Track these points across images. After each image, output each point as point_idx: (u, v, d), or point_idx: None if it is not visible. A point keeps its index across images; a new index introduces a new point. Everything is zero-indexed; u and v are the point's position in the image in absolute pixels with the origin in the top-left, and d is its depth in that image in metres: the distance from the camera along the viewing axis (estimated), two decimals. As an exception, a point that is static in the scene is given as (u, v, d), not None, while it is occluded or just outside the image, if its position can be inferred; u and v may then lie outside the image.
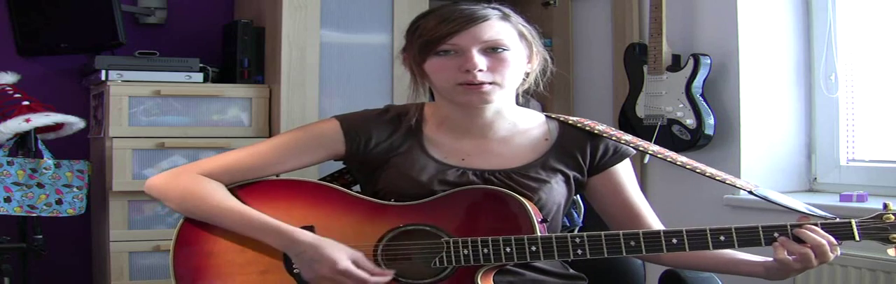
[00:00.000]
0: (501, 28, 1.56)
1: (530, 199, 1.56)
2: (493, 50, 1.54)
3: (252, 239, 1.57)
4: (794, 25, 2.71)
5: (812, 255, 1.43)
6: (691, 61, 2.68)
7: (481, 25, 1.53)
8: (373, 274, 1.51)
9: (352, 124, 1.64)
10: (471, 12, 1.55)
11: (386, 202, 1.58)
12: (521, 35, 1.59)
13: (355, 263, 1.51)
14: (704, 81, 2.69)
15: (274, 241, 1.55)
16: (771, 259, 1.49)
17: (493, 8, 1.59)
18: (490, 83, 1.53)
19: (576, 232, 1.78)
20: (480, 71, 1.52)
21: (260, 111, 2.97)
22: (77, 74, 3.23)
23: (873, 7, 2.57)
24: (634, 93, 2.83)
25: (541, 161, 1.62)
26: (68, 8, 3.04)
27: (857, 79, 2.62)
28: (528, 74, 1.63)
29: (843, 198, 2.38)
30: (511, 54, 1.55)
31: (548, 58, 1.65)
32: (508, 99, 1.63)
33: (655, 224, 1.66)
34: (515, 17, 1.60)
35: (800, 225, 1.45)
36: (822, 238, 1.43)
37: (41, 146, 2.82)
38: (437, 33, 1.53)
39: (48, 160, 2.80)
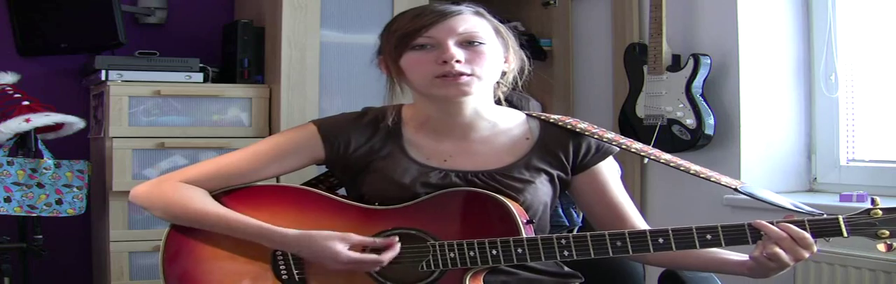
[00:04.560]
0: (476, 22, 1.56)
1: (515, 200, 1.55)
2: (469, 43, 1.53)
3: (240, 246, 1.57)
4: (794, 25, 2.71)
5: (783, 254, 1.41)
6: (691, 61, 2.68)
7: (456, 18, 1.54)
8: (379, 250, 1.50)
9: (329, 129, 1.63)
10: (445, 7, 1.56)
11: (370, 206, 1.58)
12: (497, 31, 1.59)
13: (353, 247, 1.50)
14: (704, 81, 2.69)
15: (262, 242, 1.55)
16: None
17: (467, 5, 1.59)
18: (468, 74, 1.52)
19: (575, 231, 1.78)
20: (458, 62, 1.51)
21: (260, 111, 2.97)
22: (77, 74, 3.23)
23: (873, 7, 2.57)
24: (634, 93, 2.83)
25: (524, 161, 1.61)
26: (68, 8, 3.04)
27: (857, 79, 2.62)
28: (505, 74, 1.62)
29: (843, 198, 2.38)
30: (487, 48, 1.55)
31: (525, 58, 1.65)
32: (487, 97, 1.62)
33: (639, 223, 1.66)
34: (489, 16, 1.61)
35: (784, 221, 1.43)
36: (786, 232, 1.41)
37: (41, 146, 2.82)
38: (412, 27, 1.53)
39: (48, 160, 2.80)
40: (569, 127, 1.64)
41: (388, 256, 1.50)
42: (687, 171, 1.60)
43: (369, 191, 1.59)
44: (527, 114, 1.69)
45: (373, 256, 1.49)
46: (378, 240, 1.51)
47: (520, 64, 1.64)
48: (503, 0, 2.06)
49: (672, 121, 2.71)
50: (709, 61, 2.68)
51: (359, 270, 1.51)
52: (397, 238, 1.52)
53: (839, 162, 2.64)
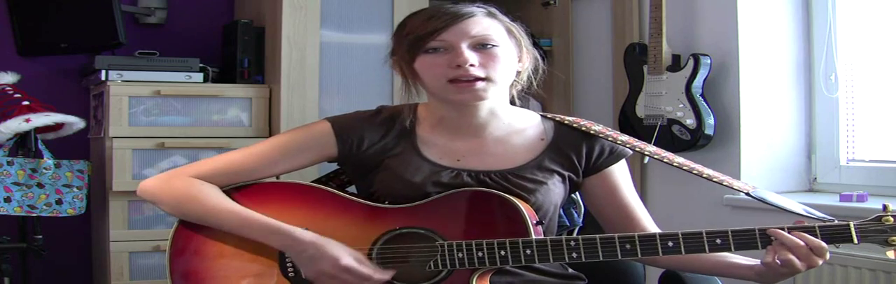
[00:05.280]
0: (489, 24, 1.56)
1: (526, 201, 1.55)
2: (482, 46, 1.54)
3: (247, 243, 1.57)
4: (794, 25, 2.71)
5: (796, 261, 1.41)
6: (691, 61, 2.68)
7: (468, 21, 1.54)
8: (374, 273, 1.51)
9: (343, 126, 1.63)
10: (457, 9, 1.55)
11: (380, 204, 1.58)
12: (510, 32, 1.59)
13: (357, 261, 1.51)
14: (704, 81, 2.68)
15: (274, 241, 1.54)
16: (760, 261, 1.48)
17: (479, 6, 1.59)
18: (483, 79, 1.52)
19: (576, 231, 1.78)
20: (472, 66, 1.51)
21: (260, 111, 2.97)
22: (77, 74, 3.23)
23: (873, 7, 2.57)
24: (634, 93, 2.83)
25: (536, 161, 1.62)
26: (68, 8, 3.04)
27: (857, 79, 2.62)
28: (519, 73, 1.62)
29: (843, 198, 2.38)
30: (501, 50, 1.55)
31: (538, 56, 1.65)
32: (502, 98, 1.62)
33: (650, 225, 1.66)
34: (501, 16, 1.60)
35: (796, 228, 1.43)
36: (802, 240, 1.41)
37: (41, 146, 2.82)
38: (425, 30, 1.53)
39: (48, 160, 2.80)
40: (583, 128, 1.64)
41: (378, 276, 1.51)
42: (700, 175, 1.60)
43: (380, 190, 1.60)
44: (542, 115, 1.69)
45: (366, 271, 1.50)
46: (378, 268, 1.52)
47: (534, 63, 1.64)
48: (503, 0, 2.05)
49: (672, 121, 2.71)
50: (709, 61, 2.68)
51: (345, 280, 1.51)
52: (393, 272, 1.53)
53: (839, 162, 2.64)
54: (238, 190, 1.63)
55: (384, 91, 3.00)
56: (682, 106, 2.68)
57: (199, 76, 2.95)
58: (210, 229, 1.60)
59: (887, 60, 2.54)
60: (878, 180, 2.51)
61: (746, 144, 2.67)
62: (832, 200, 2.41)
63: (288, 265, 1.57)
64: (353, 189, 1.73)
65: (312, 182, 1.71)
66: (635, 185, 2.68)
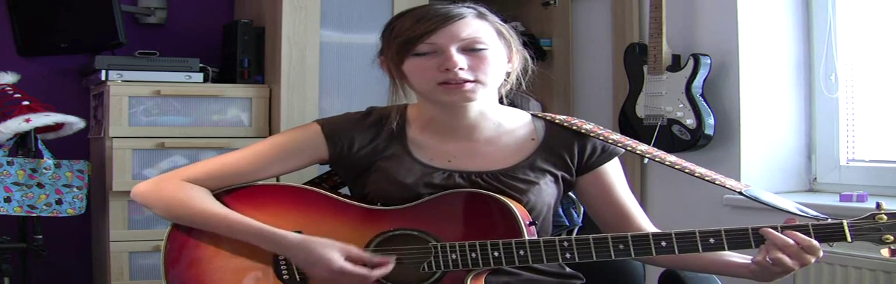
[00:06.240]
0: (479, 26, 1.54)
1: (519, 201, 1.55)
2: (471, 49, 1.52)
3: (241, 245, 1.57)
4: (794, 25, 2.71)
5: (787, 260, 1.41)
6: (691, 61, 2.68)
7: (458, 23, 1.52)
8: (373, 266, 1.50)
9: (333, 128, 1.63)
10: (446, 11, 1.53)
11: (373, 206, 1.58)
12: (500, 33, 1.58)
13: (350, 258, 1.50)
14: (704, 81, 2.69)
15: (263, 245, 1.55)
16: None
17: (468, 7, 1.57)
18: (472, 81, 1.52)
19: (575, 231, 1.78)
20: (461, 69, 1.50)
21: (260, 111, 2.97)
22: (77, 74, 3.23)
23: (873, 7, 2.57)
24: (634, 93, 2.83)
25: (528, 161, 1.61)
26: (68, 8, 3.04)
27: (857, 79, 2.62)
28: (509, 74, 1.61)
29: (843, 198, 2.38)
30: (490, 52, 1.54)
31: (527, 57, 1.64)
32: (491, 98, 1.61)
33: (645, 223, 1.66)
34: (492, 16, 1.59)
35: (789, 227, 1.43)
36: (793, 239, 1.40)
37: (41, 146, 2.82)
38: (414, 33, 1.51)
39: (48, 160, 2.80)
40: (574, 128, 1.63)
41: (378, 273, 1.50)
42: (692, 174, 1.59)
43: (373, 191, 1.59)
44: (532, 115, 1.68)
45: (363, 270, 1.49)
46: (376, 258, 1.51)
47: (523, 63, 1.63)
48: (503, 0, 2.06)
49: (672, 121, 2.71)
50: (709, 61, 2.68)
51: (344, 282, 1.50)
52: (393, 258, 1.52)
53: (839, 162, 2.64)
54: (232, 192, 1.63)
55: (384, 91, 2.97)
56: (682, 106, 2.68)
57: (199, 76, 2.95)
58: (204, 232, 1.60)
59: (887, 60, 2.54)
60: (878, 180, 2.51)
61: (746, 144, 2.67)
62: (832, 200, 2.41)
63: (282, 267, 1.57)
64: (346, 190, 1.73)
65: (306, 183, 1.71)
66: (635, 186, 2.68)
